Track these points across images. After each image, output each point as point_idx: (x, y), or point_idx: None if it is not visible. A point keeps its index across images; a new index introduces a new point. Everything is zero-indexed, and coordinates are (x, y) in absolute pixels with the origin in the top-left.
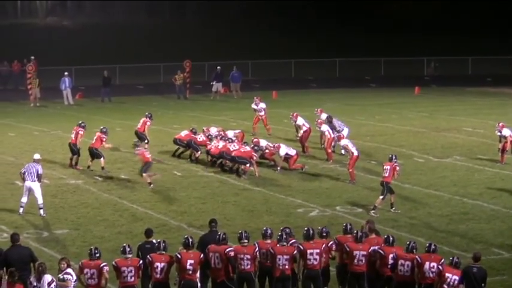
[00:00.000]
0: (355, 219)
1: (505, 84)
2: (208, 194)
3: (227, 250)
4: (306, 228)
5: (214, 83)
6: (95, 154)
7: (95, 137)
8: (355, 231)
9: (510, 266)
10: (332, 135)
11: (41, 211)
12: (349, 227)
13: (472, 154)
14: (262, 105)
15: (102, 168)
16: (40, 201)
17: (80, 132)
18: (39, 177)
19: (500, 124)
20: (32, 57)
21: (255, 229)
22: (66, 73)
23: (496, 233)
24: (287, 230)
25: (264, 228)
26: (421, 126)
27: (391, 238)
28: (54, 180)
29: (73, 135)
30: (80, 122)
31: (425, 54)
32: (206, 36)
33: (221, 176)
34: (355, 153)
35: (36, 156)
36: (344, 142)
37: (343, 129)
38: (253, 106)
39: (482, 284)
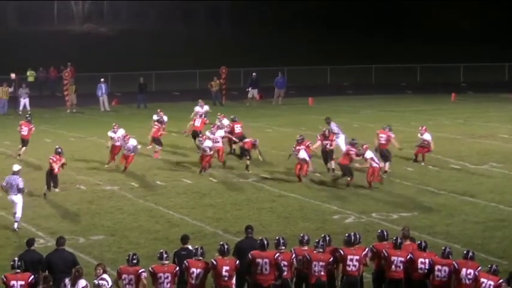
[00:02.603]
0: (391, 226)
1: None
2: (244, 200)
3: (276, 256)
4: (347, 234)
5: (249, 89)
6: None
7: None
8: (394, 238)
9: None
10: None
11: (16, 224)
12: (385, 233)
13: (508, 161)
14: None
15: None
16: (18, 214)
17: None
18: (20, 191)
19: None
20: (69, 64)
21: (291, 236)
22: (102, 79)
23: None
24: (327, 237)
25: (301, 234)
26: (457, 133)
27: (423, 244)
28: (90, 186)
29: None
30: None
31: (462, 61)
32: (242, 42)
33: (257, 183)
34: (377, 165)
35: (16, 167)
36: (369, 154)
37: (339, 134)
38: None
39: None
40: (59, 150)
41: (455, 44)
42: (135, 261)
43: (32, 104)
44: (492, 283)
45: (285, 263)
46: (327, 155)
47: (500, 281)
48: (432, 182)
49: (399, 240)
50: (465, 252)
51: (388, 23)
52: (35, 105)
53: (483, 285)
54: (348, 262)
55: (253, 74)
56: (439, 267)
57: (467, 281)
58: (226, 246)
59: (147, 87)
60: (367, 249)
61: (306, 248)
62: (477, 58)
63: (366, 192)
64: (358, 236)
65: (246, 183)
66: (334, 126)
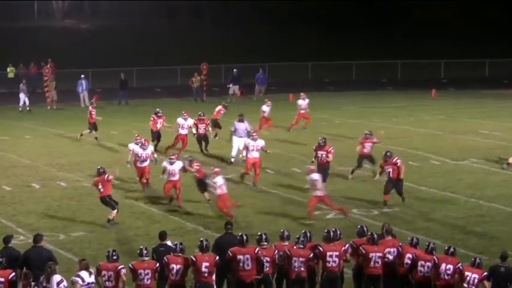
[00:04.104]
0: (372, 222)
1: None
2: None
3: (257, 250)
4: (326, 230)
5: (230, 85)
6: None
7: None
8: (369, 233)
9: None
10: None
11: None
12: (364, 229)
13: (488, 157)
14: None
15: None
16: None
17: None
18: None
19: None
20: (49, 60)
21: (273, 231)
22: (82, 76)
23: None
24: (307, 233)
25: (282, 230)
26: (438, 129)
27: (415, 240)
28: (71, 182)
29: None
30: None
31: (443, 57)
32: (223, 39)
33: (237, 179)
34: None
35: None
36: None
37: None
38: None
39: (508, 284)
40: (101, 170)
41: (436, 40)
42: (114, 257)
43: (13, 101)
44: (477, 276)
45: (268, 259)
46: (323, 168)
47: (485, 273)
48: (413, 178)
49: (375, 236)
50: (446, 247)
51: (369, 19)
52: (16, 101)
53: (467, 278)
54: (328, 258)
55: (234, 70)
56: (422, 262)
57: (446, 276)
58: (205, 243)
59: (128, 83)
60: (347, 245)
61: (286, 243)
62: (457, 54)
63: (346, 188)
64: (338, 232)
65: (226, 179)
66: (246, 124)
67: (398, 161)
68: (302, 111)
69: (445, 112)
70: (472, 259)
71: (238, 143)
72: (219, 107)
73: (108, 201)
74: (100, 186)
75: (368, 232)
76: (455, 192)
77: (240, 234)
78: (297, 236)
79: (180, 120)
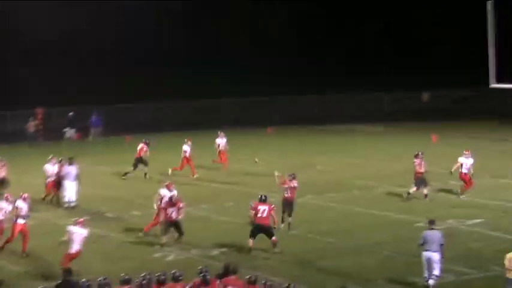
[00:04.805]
0: (211, 262)
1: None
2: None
3: None
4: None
5: (67, 129)
6: None
7: None
8: (201, 274)
9: None
10: None
11: None
12: (204, 269)
13: (323, 192)
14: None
15: None
16: None
17: None
18: None
19: None
20: None
21: (114, 276)
22: None
23: (353, 269)
24: (147, 276)
25: (121, 274)
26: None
27: (253, 278)
28: None
29: None
30: None
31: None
32: (58, 81)
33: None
34: None
35: None
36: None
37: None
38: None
39: None
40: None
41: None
42: None
43: None
44: None
45: None
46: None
47: None
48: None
49: (207, 276)
50: (286, 286)
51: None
52: None
53: None
54: None
55: (70, 113)
56: None
57: None
58: None
59: None
60: (187, 286)
61: (127, 287)
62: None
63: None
64: (176, 273)
65: (58, 227)
66: (75, 167)
67: None
68: (222, 149)
69: (281, 149)
70: None
71: (71, 186)
72: (141, 145)
73: None
74: None
75: (207, 274)
76: (293, 229)
77: (83, 280)
78: (137, 280)
79: (47, 166)
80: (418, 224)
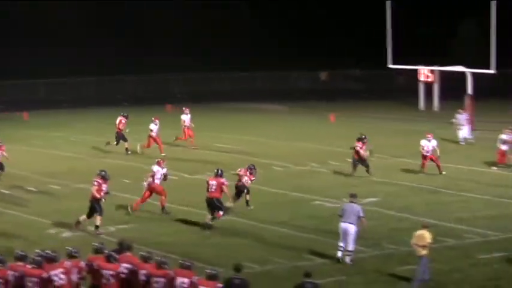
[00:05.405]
0: (109, 238)
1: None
2: None
3: None
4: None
5: None
6: None
7: None
8: (105, 251)
9: (260, 280)
10: None
11: None
12: (99, 246)
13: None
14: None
15: None
16: None
17: None
18: None
19: None
20: None
21: (7, 252)
22: None
23: (247, 248)
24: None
25: (16, 250)
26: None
27: (146, 255)
28: None
29: None
30: None
31: (175, 72)
32: None
33: None
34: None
35: None
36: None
37: None
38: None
39: None
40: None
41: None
42: None
43: None
44: None
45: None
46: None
47: (219, 285)
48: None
49: (110, 253)
50: (181, 261)
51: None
52: None
53: None
54: (53, 277)
55: None
56: (155, 279)
57: None
58: None
59: None
60: (82, 263)
61: (21, 263)
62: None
63: (79, 205)
64: (72, 250)
65: None
66: None
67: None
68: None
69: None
70: (207, 270)
71: None
72: (119, 118)
73: None
74: None
75: (104, 249)
76: (189, 206)
77: None
78: (32, 256)
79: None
80: (315, 202)
